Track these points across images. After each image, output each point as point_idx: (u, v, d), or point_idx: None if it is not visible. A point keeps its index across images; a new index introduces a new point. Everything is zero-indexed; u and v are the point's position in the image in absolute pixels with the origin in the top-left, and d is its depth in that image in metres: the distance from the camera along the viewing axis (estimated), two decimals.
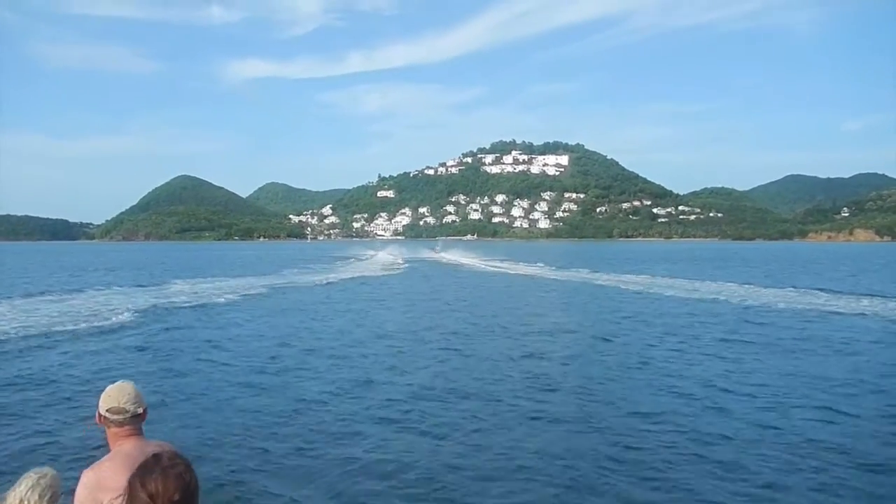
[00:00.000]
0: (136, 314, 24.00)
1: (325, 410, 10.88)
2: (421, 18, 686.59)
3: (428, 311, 26.19)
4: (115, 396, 3.35)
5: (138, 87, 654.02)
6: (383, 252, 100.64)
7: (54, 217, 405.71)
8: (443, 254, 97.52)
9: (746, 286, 36.62)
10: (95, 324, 21.26)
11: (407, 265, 64.03)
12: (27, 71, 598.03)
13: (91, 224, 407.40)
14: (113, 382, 3.43)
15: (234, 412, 10.79)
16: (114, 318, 22.62)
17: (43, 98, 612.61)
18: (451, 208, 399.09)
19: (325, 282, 41.50)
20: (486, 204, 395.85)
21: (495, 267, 61.22)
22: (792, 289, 34.90)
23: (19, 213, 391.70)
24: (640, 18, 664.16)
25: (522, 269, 57.92)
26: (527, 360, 15.46)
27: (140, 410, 3.37)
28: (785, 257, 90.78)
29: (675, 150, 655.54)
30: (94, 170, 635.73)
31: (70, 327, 20.27)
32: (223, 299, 29.90)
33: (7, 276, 50.71)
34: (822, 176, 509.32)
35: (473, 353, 16.47)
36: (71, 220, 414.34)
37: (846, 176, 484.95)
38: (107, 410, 3.32)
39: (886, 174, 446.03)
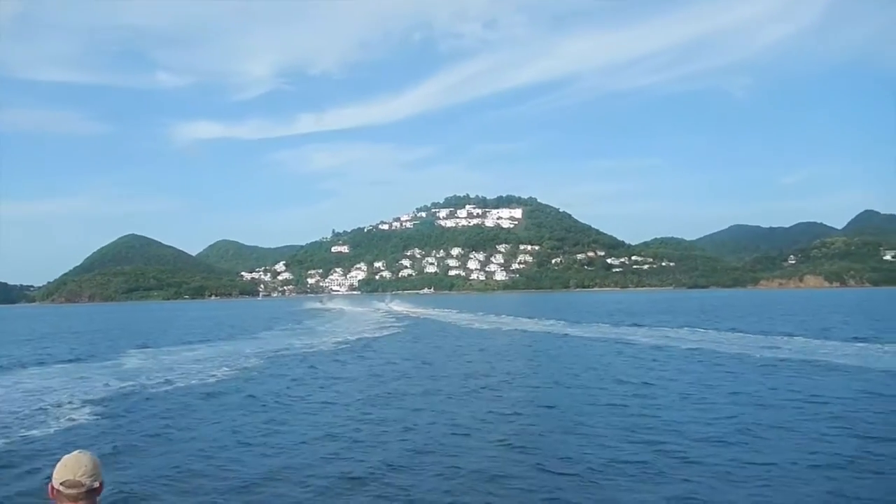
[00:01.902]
0: (92, 405, 18.04)
1: None
2: (370, 82, 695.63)
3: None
4: (72, 468, 3.06)
5: (85, 149, 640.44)
6: (336, 303, 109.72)
7: None
8: (391, 305, 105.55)
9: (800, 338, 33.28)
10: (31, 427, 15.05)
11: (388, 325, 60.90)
12: None
13: (32, 286, 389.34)
14: (68, 452, 3.15)
15: None
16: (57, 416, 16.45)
17: None
18: (406, 262, 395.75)
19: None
20: (441, 257, 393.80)
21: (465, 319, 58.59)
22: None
23: None
24: (583, 82, 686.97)
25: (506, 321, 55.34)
26: None
27: (96, 485, 3.08)
28: (763, 305, 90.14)
29: (623, 203, 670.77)
30: (35, 231, 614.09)
31: None
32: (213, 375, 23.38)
33: None
34: (765, 225, 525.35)
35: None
36: (10, 282, 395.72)
37: (787, 225, 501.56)
38: (61, 484, 3.03)
39: (824, 223, 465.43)
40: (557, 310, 78.82)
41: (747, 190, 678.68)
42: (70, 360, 30.25)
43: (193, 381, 20.22)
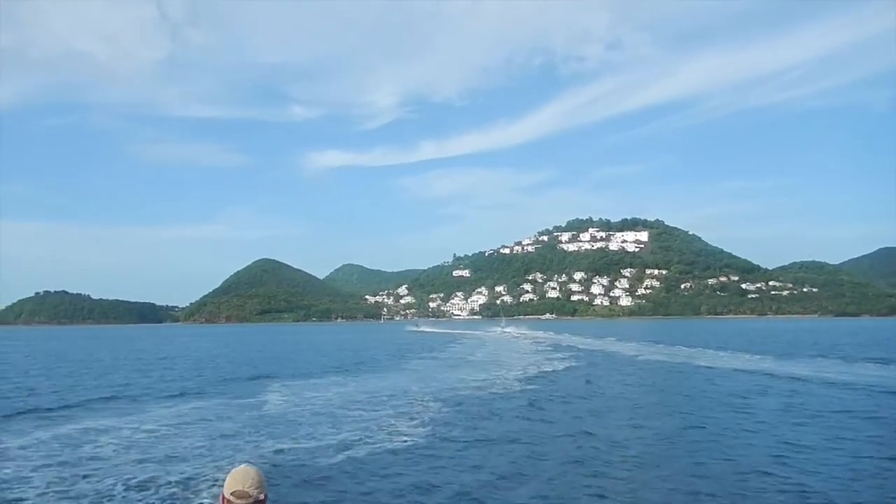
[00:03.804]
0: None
1: None
2: (490, 108, 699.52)
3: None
4: (240, 480, 3.34)
5: (225, 178, 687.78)
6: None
7: (142, 300, 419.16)
8: (508, 329, 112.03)
9: None
10: None
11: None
12: (128, 169, 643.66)
13: (176, 307, 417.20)
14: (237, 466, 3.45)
15: None
16: None
17: (139, 192, 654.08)
18: (527, 287, 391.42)
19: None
20: (563, 282, 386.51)
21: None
22: None
23: (110, 297, 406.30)
24: (710, 101, 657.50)
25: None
26: None
27: (262, 496, 3.34)
28: None
29: (757, 225, 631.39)
30: (180, 255, 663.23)
31: None
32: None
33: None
34: None
35: None
36: (158, 303, 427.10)
37: None
38: (231, 493, 3.30)
39: None
40: (749, 342, 72.02)
41: (891, 209, 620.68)
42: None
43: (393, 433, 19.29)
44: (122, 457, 14.83)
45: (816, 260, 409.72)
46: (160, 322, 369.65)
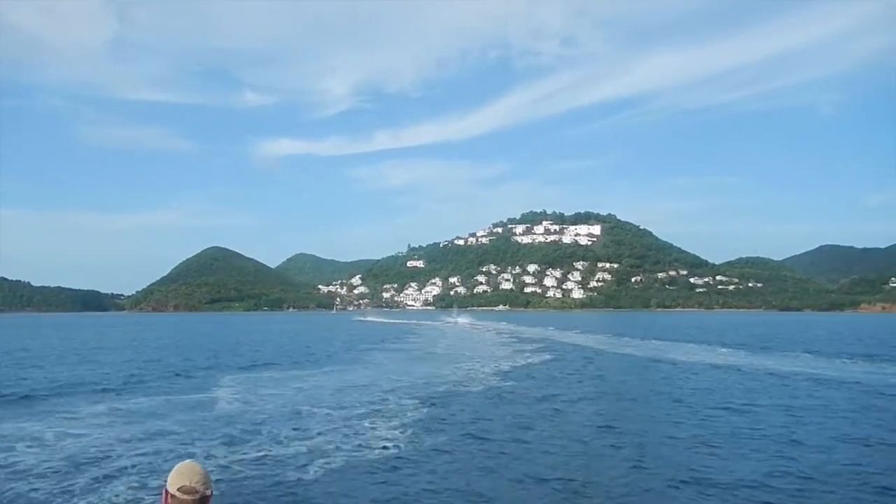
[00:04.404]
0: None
1: None
2: (446, 100, 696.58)
3: None
4: (187, 475, 3.21)
5: (173, 165, 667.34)
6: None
7: (86, 288, 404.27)
8: (458, 319, 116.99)
9: None
10: None
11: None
12: (71, 151, 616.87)
13: (122, 295, 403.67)
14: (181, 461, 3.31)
15: None
16: None
17: (83, 176, 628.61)
18: (482, 278, 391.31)
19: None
20: (517, 274, 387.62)
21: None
22: None
23: (52, 285, 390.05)
24: (662, 98, 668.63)
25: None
26: None
27: (208, 492, 3.21)
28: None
29: (705, 221, 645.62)
30: (125, 243, 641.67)
31: None
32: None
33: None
34: (858, 246, 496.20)
35: None
36: (102, 291, 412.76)
37: (882, 246, 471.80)
38: (178, 489, 3.16)
39: None
40: (719, 334, 71.58)
41: (836, 209, 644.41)
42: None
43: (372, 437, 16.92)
44: (40, 469, 12.10)
45: (761, 256, 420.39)
46: (105, 311, 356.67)
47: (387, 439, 14.73)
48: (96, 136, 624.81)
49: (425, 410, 18.68)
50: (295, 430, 15.85)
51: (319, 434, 15.26)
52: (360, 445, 14.17)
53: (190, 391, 23.87)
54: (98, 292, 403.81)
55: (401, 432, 15.52)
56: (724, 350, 44.22)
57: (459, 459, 13.27)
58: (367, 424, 16.45)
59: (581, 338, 60.71)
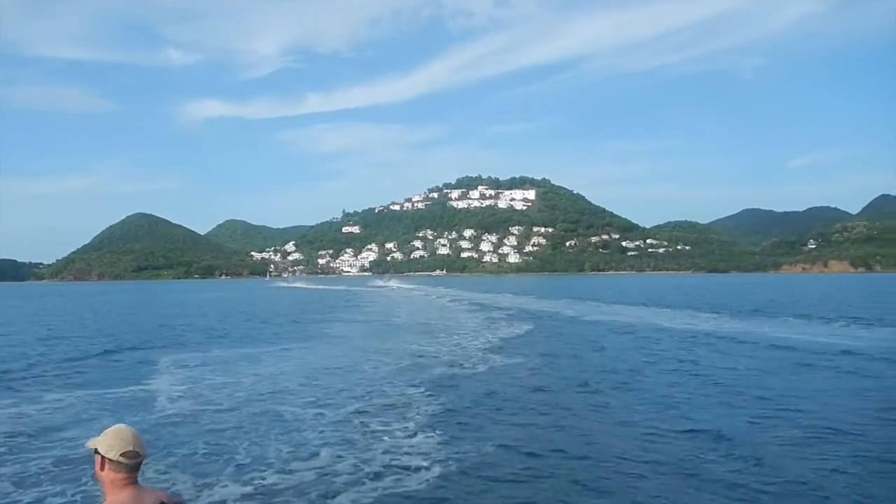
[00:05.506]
0: None
1: None
2: (378, 61, 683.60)
3: None
4: (129, 440, 3.16)
5: (95, 127, 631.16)
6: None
7: (1, 257, 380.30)
8: (390, 283, 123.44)
9: None
10: None
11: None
12: None
13: (41, 264, 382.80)
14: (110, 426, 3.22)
15: None
16: None
17: None
18: (418, 244, 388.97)
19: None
20: (454, 239, 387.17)
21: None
22: None
23: None
24: (595, 62, 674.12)
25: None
26: None
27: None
28: (827, 292, 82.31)
29: (635, 185, 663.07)
30: (43, 209, 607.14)
31: None
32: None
33: None
34: (778, 210, 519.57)
35: None
36: (19, 259, 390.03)
37: (800, 209, 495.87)
38: (121, 455, 3.11)
39: (839, 207, 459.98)
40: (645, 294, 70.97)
41: (758, 173, 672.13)
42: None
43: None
44: None
45: (688, 220, 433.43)
46: (23, 280, 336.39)
47: (417, 452, 10.77)
48: (9, 96, 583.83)
49: (440, 403, 14.81)
50: (281, 439, 11.80)
51: (321, 447, 11.11)
52: (390, 467, 10.15)
53: (118, 382, 18.71)
54: (15, 261, 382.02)
55: (428, 438, 11.60)
56: (704, 315, 42.39)
57: (534, 474, 9.80)
58: (377, 427, 12.44)
59: (544, 304, 57.97)
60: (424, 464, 10.29)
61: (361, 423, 13.05)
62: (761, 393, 16.01)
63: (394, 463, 10.37)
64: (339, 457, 10.65)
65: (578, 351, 25.52)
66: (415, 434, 12.07)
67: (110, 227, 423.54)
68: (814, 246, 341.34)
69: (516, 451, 10.99)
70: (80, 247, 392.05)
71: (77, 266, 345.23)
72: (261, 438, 11.98)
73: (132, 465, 3.09)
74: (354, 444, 11.51)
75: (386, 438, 11.84)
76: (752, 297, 66.43)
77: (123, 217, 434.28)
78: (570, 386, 17.50)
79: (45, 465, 10.57)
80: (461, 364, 21.34)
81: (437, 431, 12.21)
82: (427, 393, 16.13)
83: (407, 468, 10.11)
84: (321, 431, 12.38)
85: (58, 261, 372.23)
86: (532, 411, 14.10)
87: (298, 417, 13.76)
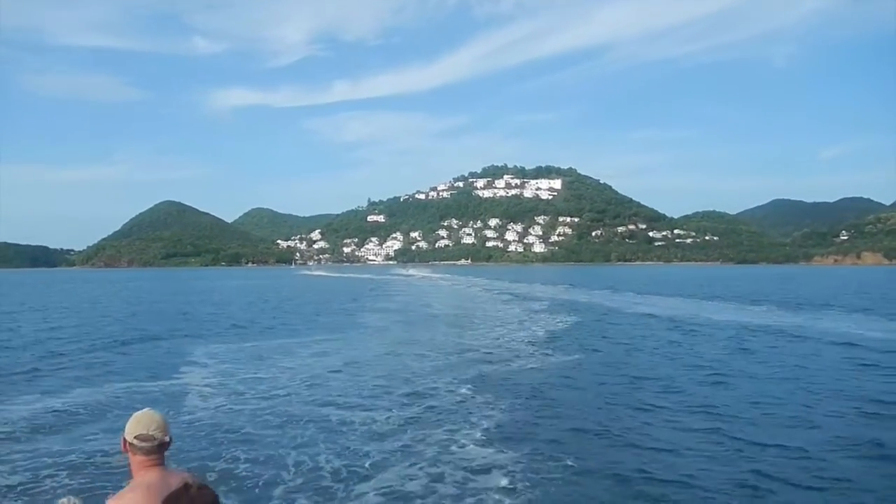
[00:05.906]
0: None
1: None
2: (405, 49, 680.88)
3: None
4: (145, 423, 3.31)
5: (123, 115, 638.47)
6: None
7: (34, 244, 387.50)
8: (411, 272, 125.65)
9: None
10: None
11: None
12: (12, 101, 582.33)
13: (72, 250, 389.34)
14: (139, 410, 3.39)
15: None
16: None
17: (28, 127, 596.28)
18: (443, 233, 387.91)
19: None
20: (479, 228, 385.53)
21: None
22: None
23: None
24: (620, 49, 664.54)
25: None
26: None
27: (167, 439, 3.33)
28: (867, 286, 78.90)
29: (662, 175, 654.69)
30: (75, 197, 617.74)
31: None
32: None
33: None
34: (808, 200, 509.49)
35: None
36: (51, 246, 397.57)
37: (831, 200, 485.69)
38: (135, 437, 3.27)
39: (871, 198, 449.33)
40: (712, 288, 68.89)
41: (788, 163, 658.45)
42: None
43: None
44: None
45: (717, 210, 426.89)
46: (54, 266, 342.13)
47: (492, 464, 9.24)
48: (39, 85, 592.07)
49: (503, 408, 13.18)
50: (331, 450, 10.24)
51: (381, 461, 9.63)
52: (468, 487, 8.70)
53: (147, 375, 17.66)
54: (47, 248, 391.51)
55: (500, 452, 10.05)
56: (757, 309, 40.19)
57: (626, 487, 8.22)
58: (440, 436, 10.85)
59: (579, 294, 56.09)
60: (504, 482, 8.70)
61: (419, 430, 11.48)
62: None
63: (471, 484, 8.76)
64: (407, 476, 9.06)
65: (639, 345, 23.77)
66: (483, 445, 10.48)
67: (139, 214, 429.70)
68: (846, 237, 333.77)
69: (602, 476, 9.33)
70: (110, 234, 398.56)
71: (107, 253, 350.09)
72: (308, 448, 10.46)
73: (147, 447, 3.21)
74: (419, 456, 9.94)
75: (454, 449, 10.25)
76: (801, 291, 63.35)
77: (152, 205, 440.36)
78: (649, 388, 15.73)
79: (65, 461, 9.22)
80: (511, 361, 19.70)
81: (510, 443, 10.58)
82: (483, 394, 14.53)
83: (488, 489, 8.52)
84: (376, 440, 10.85)
85: (88, 247, 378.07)
86: (610, 421, 12.42)
87: (346, 421, 12.26)
